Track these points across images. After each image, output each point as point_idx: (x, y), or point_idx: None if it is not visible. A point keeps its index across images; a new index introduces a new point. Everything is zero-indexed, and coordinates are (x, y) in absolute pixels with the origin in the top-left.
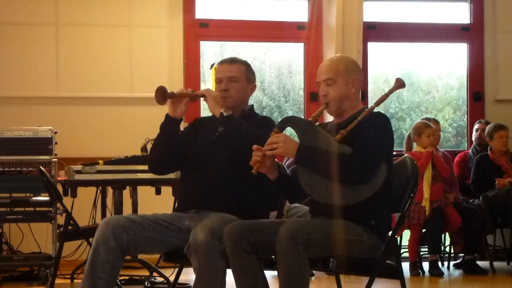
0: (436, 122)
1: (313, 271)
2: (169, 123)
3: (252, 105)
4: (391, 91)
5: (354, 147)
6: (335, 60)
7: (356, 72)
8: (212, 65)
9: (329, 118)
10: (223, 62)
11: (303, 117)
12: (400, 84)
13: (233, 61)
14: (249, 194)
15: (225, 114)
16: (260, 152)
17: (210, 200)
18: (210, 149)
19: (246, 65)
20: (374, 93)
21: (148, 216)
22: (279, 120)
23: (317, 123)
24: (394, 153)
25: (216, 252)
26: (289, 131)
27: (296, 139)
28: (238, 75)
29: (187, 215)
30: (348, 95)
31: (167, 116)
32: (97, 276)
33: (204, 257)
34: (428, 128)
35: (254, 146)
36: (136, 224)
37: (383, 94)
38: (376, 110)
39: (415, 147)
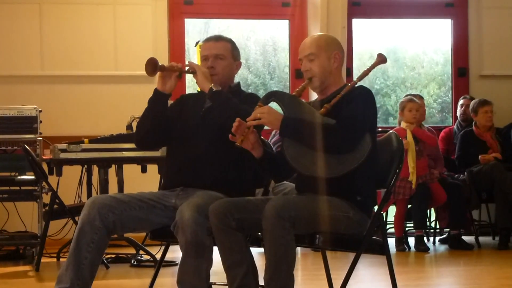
0: (420, 98)
1: (299, 248)
2: (157, 98)
3: (239, 82)
4: (373, 66)
5: (339, 118)
6: (316, 37)
7: (337, 47)
8: (197, 43)
9: (314, 96)
10: (208, 40)
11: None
12: (381, 59)
13: (218, 38)
14: (236, 171)
15: (214, 89)
16: (243, 126)
17: (197, 178)
18: (196, 125)
19: (231, 43)
20: (359, 69)
21: (134, 195)
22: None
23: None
24: (379, 129)
25: (202, 229)
26: (275, 107)
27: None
28: (224, 52)
29: (174, 193)
30: (330, 70)
31: (155, 90)
32: (82, 255)
33: (190, 235)
34: (410, 103)
35: (237, 119)
36: (122, 203)
37: (366, 69)
38: (360, 84)
39: (402, 124)
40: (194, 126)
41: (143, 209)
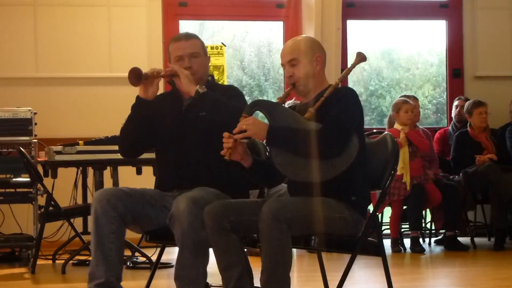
0: (415, 99)
1: (294, 249)
2: (141, 105)
3: (213, 75)
4: (353, 66)
5: (324, 122)
6: (297, 41)
7: (318, 50)
8: None
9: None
10: (178, 39)
11: (272, 99)
12: (361, 58)
13: (189, 36)
14: (229, 169)
15: (201, 91)
16: (231, 139)
17: (191, 178)
18: (180, 125)
19: (199, 39)
20: (353, 71)
21: (137, 190)
22: (247, 105)
23: (287, 103)
24: (374, 130)
25: (198, 220)
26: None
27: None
28: (197, 50)
29: (171, 194)
30: (313, 73)
31: (138, 98)
32: (107, 247)
33: (186, 226)
34: (405, 104)
35: (225, 134)
36: (128, 196)
37: (346, 69)
38: (355, 88)
39: (395, 125)
40: (178, 126)
41: (145, 206)
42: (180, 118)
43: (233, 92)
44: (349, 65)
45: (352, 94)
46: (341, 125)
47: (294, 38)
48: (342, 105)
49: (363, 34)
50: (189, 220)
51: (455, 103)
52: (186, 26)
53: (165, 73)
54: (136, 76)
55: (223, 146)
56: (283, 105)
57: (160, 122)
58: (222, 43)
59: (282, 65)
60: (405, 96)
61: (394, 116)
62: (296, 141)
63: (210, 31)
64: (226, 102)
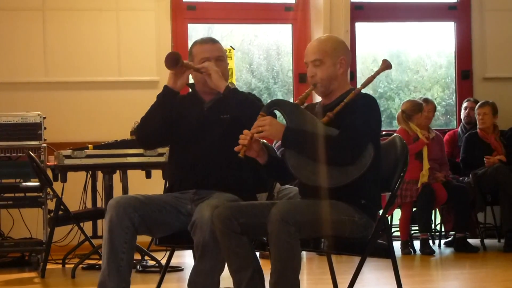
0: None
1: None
2: (167, 95)
3: (232, 83)
4: (377, 73)
5: (341, 129)
6: (323, 41)
7: (343, 52)
8: None
9: (317, 98)
10: (205, 42)
11: (291, 100)
12: (386, 65)
13: (214, 40)
14: (249, 169)
15: (231, 87)
16: (248, 137)
17: (210, 178)
18: (201, 124)
19: (221, 44)
20: (362, 73)
21: (152, 198)
22: (266, 103)
23: (305, 104)
24: (383, 132)
25: None
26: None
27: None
28: (222, 54)
29: (187, 196)
30: (336, 76)
31: (166, 87)
32: (119, 257)
33: (209, 234)
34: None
35: (245, 131)
36: (144, 205)
37: (370, 75)
38: (364, 90)
39: (412, 126)
40: (199, 126)
41: (162, 212)
42: (202, 119)
43: (252, 96)
44: (373, 71)
45: (372, 102)
46: (358, 134)
47: (320, 37)
48: (360, 113)
49: (372, 36)
50: (212, 229)
51: (464, 104)
52: (194, 29)
53: (198, 67)
54: (174, 60)
55: (239, 142)
56: (302, 106)
57: (180, 122)
58: (231, 46)
59: (305, 63)
60: (424, 99)
61: (415, 117)
62: (311, 145)
63: (219, 34)
64: (254, 100)
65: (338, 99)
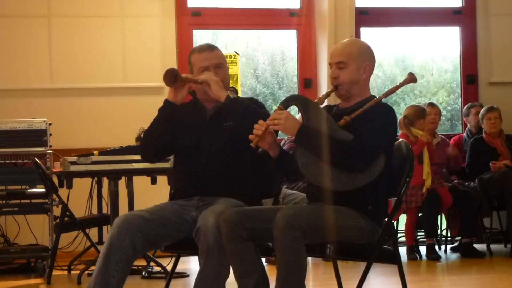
0: (435, 106)
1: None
2: (168, 108)
3: (235, 88)
4: (401, 84)
5: (355, 135)
6: (350, 44)
7: (369, 58)
8: None
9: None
10: (202, 50)
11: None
12: (411, 78)
13: (211, 47)
14: (253, 175)
15: (232, 96)
16: (262, 127)
17: (214, 185)
18: (204, 132)
19: (220, 50)
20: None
21: (157, 212)
22: (285, 97)
23: (324, 104)
24: None
25: None
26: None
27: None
28: (221, 60)
29: (191, 203)
30: (358, 80)
31: (166, 101)
32: (110, 274)
33: (213, 240)
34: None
35: (260, 121)
36: (149, 222)
37: (393, 86)
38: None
39: (414, 132)
40: (202, 134)
41: (166, 226)
42: (205, 127)
43: (255, 103)
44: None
45: (390, 113)
46: (371, 143)
47: (348, 40)
48: (377, 122)
49: (377, 41)
50: (217, 235)
51: (473, 111)
52: (199, 35)
53: (197, 80)
54: (172, 77)
55: (253, 132)
56: (321, 106)
57: (183, 130)
58: (236, 52)
59: (329, 64)
60: (429, 104)
61: (419, 122)
62: (323, 147)
63: (224, 40)
64: (256, 108)
65: (357, 104)
